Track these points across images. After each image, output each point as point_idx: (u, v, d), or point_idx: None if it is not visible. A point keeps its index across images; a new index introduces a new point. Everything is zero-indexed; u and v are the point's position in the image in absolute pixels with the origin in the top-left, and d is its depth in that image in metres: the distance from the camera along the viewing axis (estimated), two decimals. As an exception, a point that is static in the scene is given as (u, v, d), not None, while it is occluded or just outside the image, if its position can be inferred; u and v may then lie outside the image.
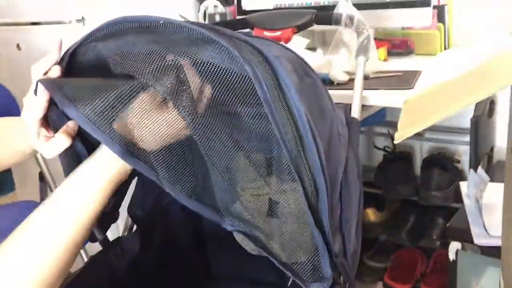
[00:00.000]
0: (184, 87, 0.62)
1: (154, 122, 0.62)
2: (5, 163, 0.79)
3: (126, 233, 0.93)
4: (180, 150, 0.66)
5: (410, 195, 1.44)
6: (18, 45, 1.73)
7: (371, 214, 1.50)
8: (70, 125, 0.65)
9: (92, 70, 0.72)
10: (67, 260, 0.60)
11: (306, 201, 0.64)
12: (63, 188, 0.61)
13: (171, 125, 0.63)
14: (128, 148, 0.59)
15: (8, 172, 2.37)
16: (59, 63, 0.70)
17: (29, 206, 1.53)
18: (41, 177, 1.50)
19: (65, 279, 0.75)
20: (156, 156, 0.61)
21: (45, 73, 0.68)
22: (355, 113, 0.89)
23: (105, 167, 0.62)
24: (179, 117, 0.63)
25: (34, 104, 0.64)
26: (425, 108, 0.92)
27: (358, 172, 0.80)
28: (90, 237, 0.85)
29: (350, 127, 0.84)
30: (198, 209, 0.65)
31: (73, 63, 0.72)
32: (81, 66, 0.72)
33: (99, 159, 0.62)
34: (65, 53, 0.71)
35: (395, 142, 0.75)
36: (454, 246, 1.11)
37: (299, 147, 0.62)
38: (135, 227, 0.92)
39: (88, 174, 0.62)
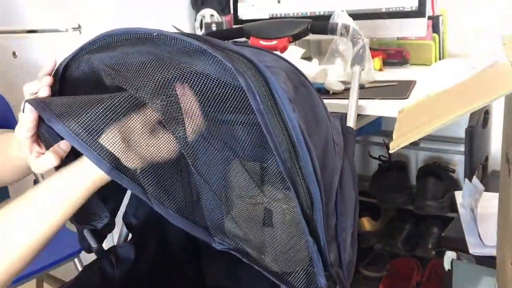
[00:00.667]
0: (176, 107, 0.61)
1: (144, 144, 0.62)
2: (7, 180, 0.79)
3: (121, 242, 0.93)
4: (170, 167, 0.66)
5: (405, 204, 1.44)
6: (14, 53, 1.73)
7: (367, 223, 1.50)
8: (61, 145, 0.65)
9: (85, 83, 0.72)
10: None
11: (301, 211, 0.64)
12: (42, 188, 0.62)
13: (161, 147, 0.63)
14: (115, 165, 0.58)
15: (2, 180, 2.35)
16: (52, 76, 0.71)
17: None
18: (36, 183, 1.49)
19: (60, 287, 0.75)
20: (144, 173, 0.61)
21: (35, 93, 0.68)
22: (351, 122, 0.90)
23: (86, 175, 0.62)
24: (171, 140, 0.63)
25: (24, 121, 0.65)
26: (420, 118, 0.92)
27: (353, 181, 0.80)
28: (85, 248, 0.85)
29: (346, 136, 0.84)
30: (188, 228, 0.65)
31: (66, 77, 0.72)
32: (73, 79, 0.72)
33: (80, 166, 0.62)
34: (59, 66, 0.71)
35: (390, 151, 0.75)
36: (449, 255, 1.11)
37: (293, 157, 0.62)
38: (130, 236, 0.92)
39: (68, 179, 0.62)
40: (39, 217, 0.61)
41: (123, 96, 0.60)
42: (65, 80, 0.72)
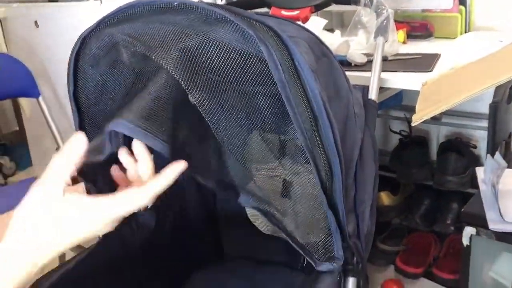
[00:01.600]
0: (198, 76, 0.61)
1: None
2: None
3: (141, 210, 0.94)
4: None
5: (425, 180, 1.43)
6: (36, 22, 1.74)
7: (385, 198, 1.49)
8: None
9: (104, 60, 0.73)
10: None
11: (320, 182, 0.64)
12: None
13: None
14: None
15: (25, 148, 2.41)
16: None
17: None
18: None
19: (79, 253, 0.77)
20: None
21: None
22: (373, 94, 0.89)
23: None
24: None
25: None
26: (444, 91, 0.91)
27: (374, 154, 0.80)
28: None
29: (367, 109, 0.84)
30: (215, 185, 0.65)
31: (85, 51, 0.72)
32: (93, 54, 0.72)
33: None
34: (77, 39, 0.71)
35: (413, 124, 0.74)
36: (468, 231, 1.10)
37: (314, 128, 0.62)
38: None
39: None
40: None
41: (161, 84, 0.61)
42: (83, 54, 0.72)
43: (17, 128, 2.88)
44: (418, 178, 1.43)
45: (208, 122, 0.63)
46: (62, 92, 1.74)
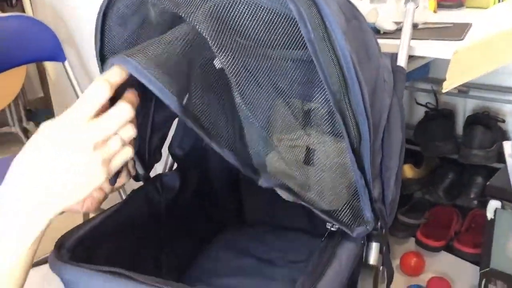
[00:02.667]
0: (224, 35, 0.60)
1: None
2: None
3: (166, 171, 0.95)
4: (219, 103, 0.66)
5: (450, 153, 1.41)
6: (62, -14, 1.74)
7: (408, 170, 1.48)
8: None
9: (132, 19, 0.72)
10: None
11: (349, 144, 0.63)
12: None
13: None
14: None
15: (50, 113, 2.44)
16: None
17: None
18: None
19: (104, 211, 0.78)
20: (201, 112, 0.60)
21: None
22: (402, 61, 0.87)
23: None
24: None
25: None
26: (475, 60, 0.88)
27: (401, 121, 0.79)
28: (133, 176, 0.88)
29: (396, 75, 0.82)
30: (238, 163, 0.63)
31: (113, 10, 0.72)
32: (121, 14, 0.72)
33: None
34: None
35: (443, 91, 0.73)
36: (493, 204, 1.09)
37: (343, 90, 0.61)
38: (175, 166, 0.94)
39: None
40: None
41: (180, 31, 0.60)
42: (111, 13, 0.72)
43: (42, 95, 2.92)
44: (443, 151, 1.41)
45: (234, 85, 0.62)
46: (87, 58, 1.75)
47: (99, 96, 0.54)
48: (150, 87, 0.52)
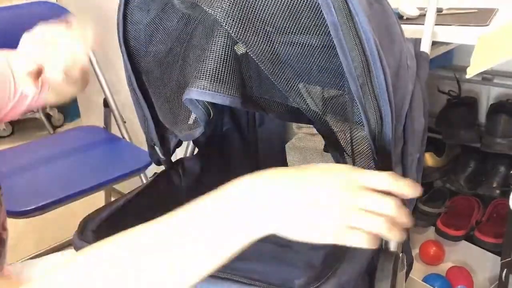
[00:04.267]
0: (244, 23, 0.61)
1: None
2: None
3: (188, 155, 0.96)
4: None
5: (472, 141, 1.39)
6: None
7: (429, 159, 1.47)
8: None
9: (154, 2, 0.73)
10: None
11: (369, 132, 0.63)
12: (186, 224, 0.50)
13: None
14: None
15: (74, 101, 2.47)
16: None
17: (93, 130, 1.60)
18: (105, 103, 1.55)
19: (128, 193, 0.80)
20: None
21: None
22: (425, 47, 0.86)
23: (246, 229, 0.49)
24: None
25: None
26: (500, 45, 0.87)
27: (424, 108, 0.78)
28: (155, 161, 0.89)
29: (419, 61, 0.81)
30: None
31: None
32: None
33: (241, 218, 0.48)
34: None
35: (467, 76, 0.72)
36: (516, 193, 1.08)
37: (366, 74, 0.60)
38: (196, 151, 0.95)
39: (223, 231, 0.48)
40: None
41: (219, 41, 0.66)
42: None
43: (65, 81, 2.95)
44: (465, 140, 1.39)
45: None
46: (110, 44, 1.76)
47: None
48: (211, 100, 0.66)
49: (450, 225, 1.42)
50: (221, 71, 0.65)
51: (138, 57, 0.80)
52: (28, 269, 0.86)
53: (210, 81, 0.64)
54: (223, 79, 0.65)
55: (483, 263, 1.38)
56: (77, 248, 0.67)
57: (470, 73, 0.74)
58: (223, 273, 0.59)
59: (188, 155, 0.93)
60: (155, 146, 0.87)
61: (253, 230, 0.48)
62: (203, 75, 0.65)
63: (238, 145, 1.05)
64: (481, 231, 1.38)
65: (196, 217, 0.49)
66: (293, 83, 0.69)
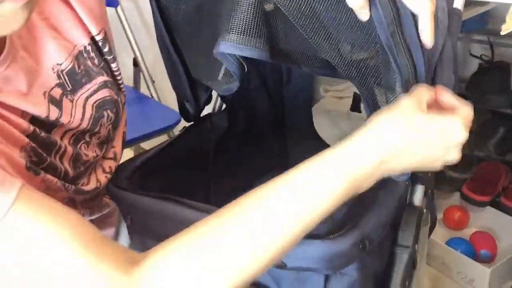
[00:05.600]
0: None
1: None
2: None
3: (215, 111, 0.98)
4: None
5: (503, 107, 1.36)
6: None
7: (458, 124, 1.45)
8: None
9: None
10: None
11: (402, 86, 0.63)
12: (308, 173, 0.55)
13: None
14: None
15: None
16: None
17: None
18: (135, 63, 1.57)
19: (159, 144, 0.82)
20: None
21: None
22: (458, 3, 0.84)
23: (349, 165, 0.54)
24: None
25: None
26: (538, 3, 0.85)
27: (454, 65, 0.77)
28: (185, 116, 0.91)
29: (451, 17, 0.80)
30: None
31: None
32: None
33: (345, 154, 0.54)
34: None
35: (502, 33, 0.71)
36: (545, 158, 1.06)
37: (396, 22, 0.60)
38: (223, 107, 0.97)
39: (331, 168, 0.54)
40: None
41: None
42: None
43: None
44: (496, 105, 1.37)
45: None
46: (141, 3, 1.77)
47: None
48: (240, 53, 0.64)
49: (476, 190, 1.41)
50: (249, 24, 0.64)
51: (169, 14, 0.80)
52: None
53: (238, 34, 0.64)
54: (251, 32, 0.65)
55: (508, 229, 1.38)
56: (112, 194, 0.70)
57: (505, 30, 0.73)
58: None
59: (216, 110, 0.95)
60: (186, 103, 0.89)
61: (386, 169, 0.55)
62: (231, 29, 0.65)
63: (264, 102, 1.06)
64: (507, 197, 1.37)
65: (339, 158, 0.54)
66: (325, 37, 0.69)
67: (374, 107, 0.71)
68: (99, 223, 0.75)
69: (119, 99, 0.74)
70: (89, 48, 0.70)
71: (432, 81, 0.69)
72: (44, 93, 0.63)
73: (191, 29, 0.79)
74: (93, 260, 0.48)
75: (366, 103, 0.73)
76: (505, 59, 1.48)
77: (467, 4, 0.96)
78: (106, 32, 0.72)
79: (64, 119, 0.65)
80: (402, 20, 0.58)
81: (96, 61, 0.71)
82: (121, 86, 0.76)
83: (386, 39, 0.59)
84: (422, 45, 0.60)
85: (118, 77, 0.75)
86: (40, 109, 0.62)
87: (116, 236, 0.81)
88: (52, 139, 0.64)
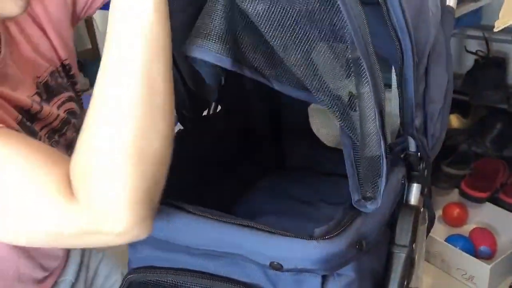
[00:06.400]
0: None
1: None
2: None
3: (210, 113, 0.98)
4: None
5: (499, 102, 1.36)
6: None
7: (455, 120, 1.45)
8: None
9: None
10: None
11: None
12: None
13: None
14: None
15: (98, 66, 2.49)
16: None
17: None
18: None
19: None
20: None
21: None
22: (451, 1, 0.84)
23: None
24: None
25: None
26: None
27: (447, 62, 0.77)
28: (180, 120, 0.91)
29: (444, 15, 0.80)
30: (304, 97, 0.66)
31: None
32: None
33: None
34: None
35: (495, 29, 0.71)
36: (542, 153, 1.06)
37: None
38: (218, 108, 0.96)
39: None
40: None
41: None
42: None
43: (90, 46, 2.98)
44: (492, 101, 1.37)
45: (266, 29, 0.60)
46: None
47: None
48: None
49: (474, 187, 1.41)
50: (213, 29, 0.62)
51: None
52: None
53: (201, 38, 0.62)
54: (213, 38, 0.62)
55: (507, 225, 1.38)
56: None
57: (498, 26, 0.73)
58: (244, 221, 0.61)
59: (212, 112, 0.95)
60: (184, 109, 0.89)
61: None
62: (195, 32, 0.63)
63: (260, 102, 1.06)
64: (506, 193, 1.37)
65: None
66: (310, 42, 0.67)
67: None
68: None
69: (81, 115, 0.84)
70: (60, 69, 0.82)
71: (426, 80, 0.69)
72: (27, 97, 0.73)
73: (179, 33, 0.79)
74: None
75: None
76: (500, 54, 1.48)
77: (461, 0, 0.96)
78: (72, 57, 0.85)
79: (43, 115, 0.75)
80: (388, 4, 0.57)
81: (64, 80, 0.83)
82: (82, 104, 0.88)
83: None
84: (409, 29, 0.59)
85: (80, 97, 0.89)
86: (25, 101, 0.72)
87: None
88: (35, 128, 0.73)
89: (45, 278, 0.80)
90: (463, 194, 1.43)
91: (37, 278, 0.77)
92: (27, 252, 0.74)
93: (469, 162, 1.51)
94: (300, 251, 0.58)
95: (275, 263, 0.59)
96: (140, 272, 0.70)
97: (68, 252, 0.86)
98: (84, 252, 0.90)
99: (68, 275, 0.85)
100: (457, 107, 1.47)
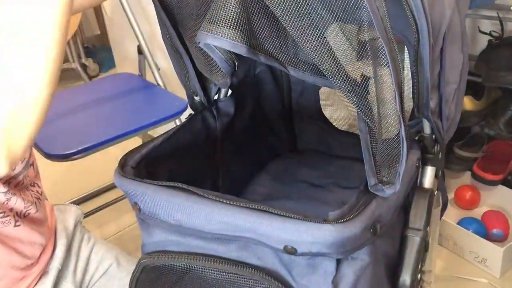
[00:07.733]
0: None
1: None
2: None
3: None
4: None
5: (513, 84, 1.34)
6: None
7: (468, 102, 1.43)
8: None
9: None
10: None
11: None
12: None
13: None
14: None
15: (107, 50, 2.50)
16: None
17: (128, 77, 1.62)
18: (139, 50, 1.56)
19: (165, 132, 0.81)
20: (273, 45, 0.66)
21: None
22: (466, -21, 0.82)
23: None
24: None
25: None
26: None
27: (462, 43, 0.75)
28: (191, 105, 0.90)
29: (458, -7, 0.78)
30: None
31: None
32: None
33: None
34: None
35: None
36: (558, 135, 1.05)
37: None
38: (229, 93, 0.95)
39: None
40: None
41: None
42: None
43: (99, 32, 2.98)
44: (506, 82, 1.34)
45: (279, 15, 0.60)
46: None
47: None
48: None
49: (487, 169, 1.40)
50: (228, 16, 0.63)
51: (171, 8, 0.79)
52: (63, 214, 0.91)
53: (216, 24, 0.63)
54: (228, 24, 0.63)
55: (520, 208, 1.37)
56: (119, 184, 0.69)
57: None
58: (258, 205, 0.60)
59: (222, 96, 0.94)
60: (195, 97, 0.88)
61: None
62: (209, 19, 0.63)
63: (270, 86, 1.05)
64: (519, 175, 1.36)
65: None
66: (323, 24, 0.66)
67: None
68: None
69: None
70: None
71: (441, 61, 0.67)
72: None
73: (192, 22, 0.78)
74: None
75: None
76: (515, 35, 1.45)
77: (475, -21, 0.94)
78: None
79: None
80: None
81: None
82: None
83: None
84: (425, 11, 0.58)
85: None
86: None
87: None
88: None
89: (30, 266, 0.79)
90: (475, 176, 1.42)
91: (16, 264, 0.76)
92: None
93: (481, 144, 1.49)
94: (315, 235, 0.57)
95: (289, 247, 0.59)
96: (154, 257, 0.70)
97: (54, 241, 0.85)
98: (73, 242, 0.89)
99: (55, 262, 0.84)
100: (470, 88, 1.44)
